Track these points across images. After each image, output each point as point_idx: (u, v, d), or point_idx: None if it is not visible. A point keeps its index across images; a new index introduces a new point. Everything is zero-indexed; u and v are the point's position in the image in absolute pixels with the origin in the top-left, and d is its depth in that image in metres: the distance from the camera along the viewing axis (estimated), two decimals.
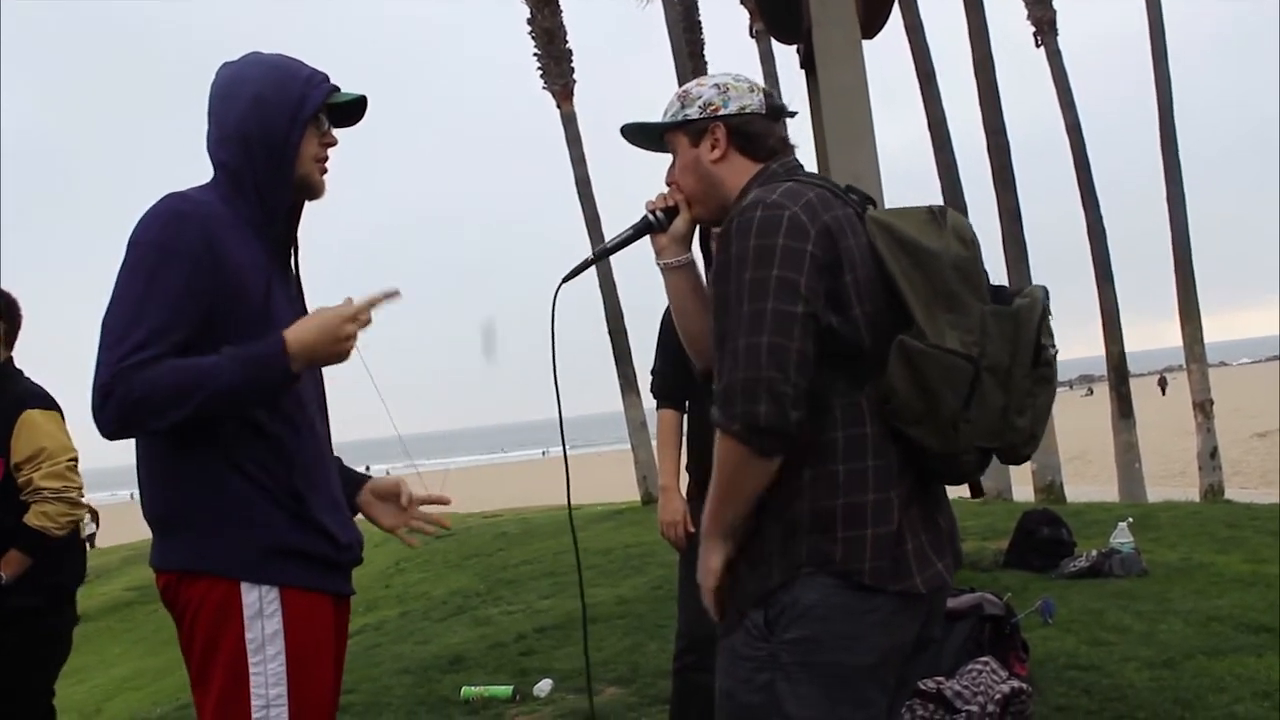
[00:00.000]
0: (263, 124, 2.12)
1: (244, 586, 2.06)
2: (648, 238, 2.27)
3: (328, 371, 2.29)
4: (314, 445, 2.19)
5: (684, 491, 3.72)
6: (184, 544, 2.10)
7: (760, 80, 2.35)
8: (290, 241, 2.25)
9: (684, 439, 3.74)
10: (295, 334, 2.04)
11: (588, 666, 2.72)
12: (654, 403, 3.81)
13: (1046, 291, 2.07)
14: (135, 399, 1.95)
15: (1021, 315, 1.98)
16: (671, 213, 2.22)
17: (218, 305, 2.05)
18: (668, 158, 2.25)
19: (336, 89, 2.21)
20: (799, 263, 1.91)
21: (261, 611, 2.06)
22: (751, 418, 1.85)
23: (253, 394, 2.04)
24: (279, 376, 2.04)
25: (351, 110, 2.26)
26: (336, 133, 2.24)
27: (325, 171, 2.22)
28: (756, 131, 2.15)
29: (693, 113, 2.16)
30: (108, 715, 10.38)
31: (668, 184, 2.24)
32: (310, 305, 2.27)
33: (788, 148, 2.19)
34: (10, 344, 3.69)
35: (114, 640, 15.69)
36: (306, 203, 2.24)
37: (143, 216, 2.08)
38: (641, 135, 2.26)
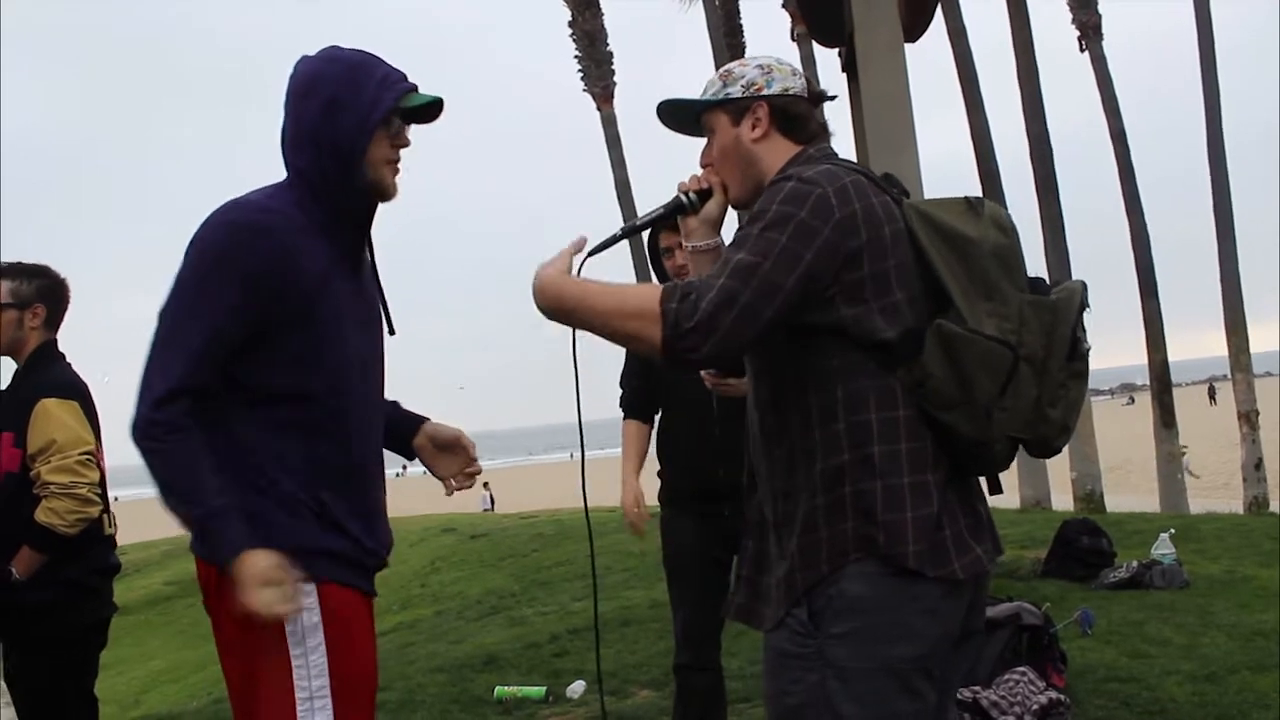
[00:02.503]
0: (334, 129, 2.10)
1: None
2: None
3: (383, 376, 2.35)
4: (357, 455, 2.21)
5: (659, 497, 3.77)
6: None
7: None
8: (363, 242, 2.25)
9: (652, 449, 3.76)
10: (245, 564, 2.00)
11: (599, 670, 2.71)
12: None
13: (1085, 285, 2.05)
14: (157, 474, 2.03)
15: (1060, 307, 1.98)
16: (705, 195, 2.20)
17: (273, 316, 2.07)
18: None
19: (412, 89, 2.17)
20: (810, 240, 1.90)
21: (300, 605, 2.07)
22: (678, 321, 1.86)
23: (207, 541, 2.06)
24: (220, 558, 2.03)
25: (428, 108, 2.22)
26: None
27: (397, 173, 2.19)
28: (799, 114, 2.13)
29: (735, 91, 2.13)
30: (146, 707, 10.50)
31: (702, 165, 2.21)
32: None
33: (827, 133, 2.18)
34: (54, 326, 3.59)
35: (152, 633, 15.89)
36: (380, 204, 2.22)
37: (203, 225, 2.08)
38: (677, 115, 2.22)
